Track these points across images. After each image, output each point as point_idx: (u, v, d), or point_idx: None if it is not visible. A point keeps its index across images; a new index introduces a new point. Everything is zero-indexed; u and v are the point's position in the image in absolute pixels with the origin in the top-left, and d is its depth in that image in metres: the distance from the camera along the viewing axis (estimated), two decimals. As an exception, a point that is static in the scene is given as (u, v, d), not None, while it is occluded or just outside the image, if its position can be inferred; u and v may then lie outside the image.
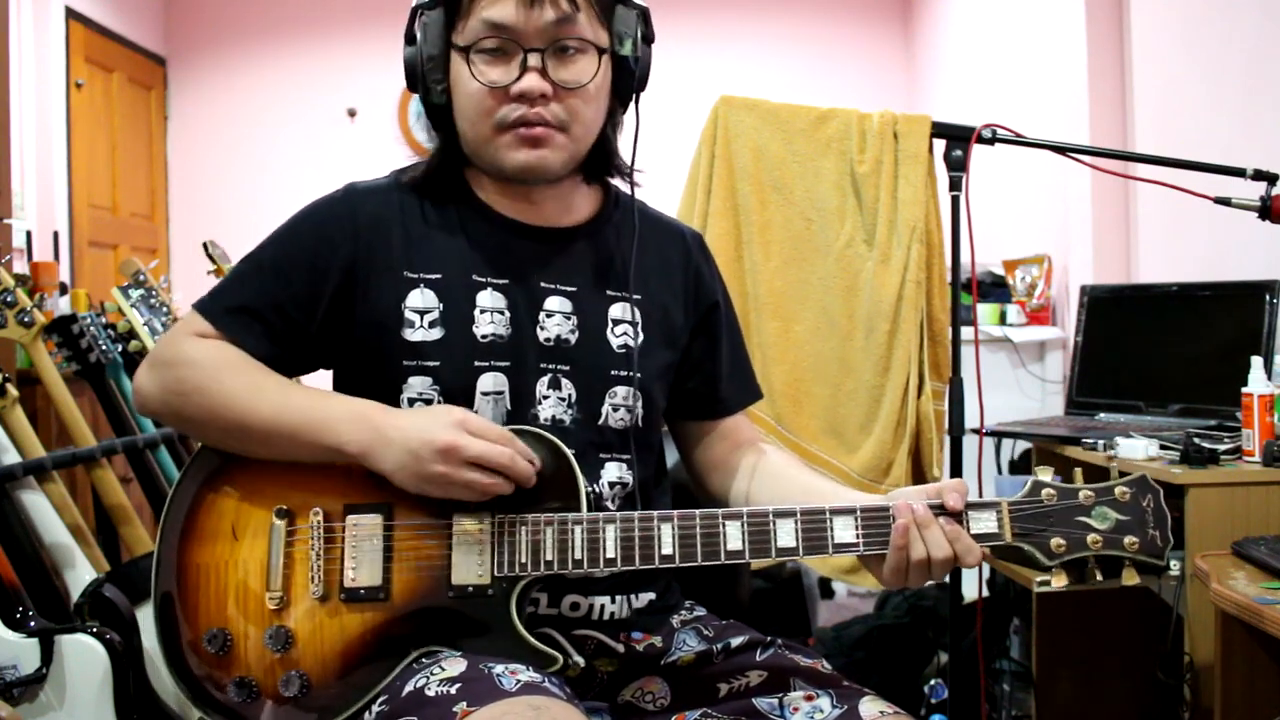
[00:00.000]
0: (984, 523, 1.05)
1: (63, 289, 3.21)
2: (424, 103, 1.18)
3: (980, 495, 1.08)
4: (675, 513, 1.07)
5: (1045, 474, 1.06)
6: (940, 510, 1.05)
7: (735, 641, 1.19)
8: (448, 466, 1.04)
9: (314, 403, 1.10)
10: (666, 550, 1.06)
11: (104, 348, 2.31)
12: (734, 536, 1.06)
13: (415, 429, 1.05)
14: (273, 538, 1.10)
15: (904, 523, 1.03)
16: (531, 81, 1.10)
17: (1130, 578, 1.05)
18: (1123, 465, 1.86)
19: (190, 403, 1.14)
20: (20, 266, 3.28)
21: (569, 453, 1.10)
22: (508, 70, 1.11)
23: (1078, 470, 1.08)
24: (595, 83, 1.14)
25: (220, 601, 1.11)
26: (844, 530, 1.05)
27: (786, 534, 1.06)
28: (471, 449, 1.03)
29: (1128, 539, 1.04)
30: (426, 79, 1.15)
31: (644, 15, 1.17)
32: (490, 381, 1.16)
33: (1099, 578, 1.05)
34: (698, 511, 1.07)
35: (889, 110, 2.31)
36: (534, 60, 1.10)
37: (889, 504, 1.05)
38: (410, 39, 1.16)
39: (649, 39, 1.18)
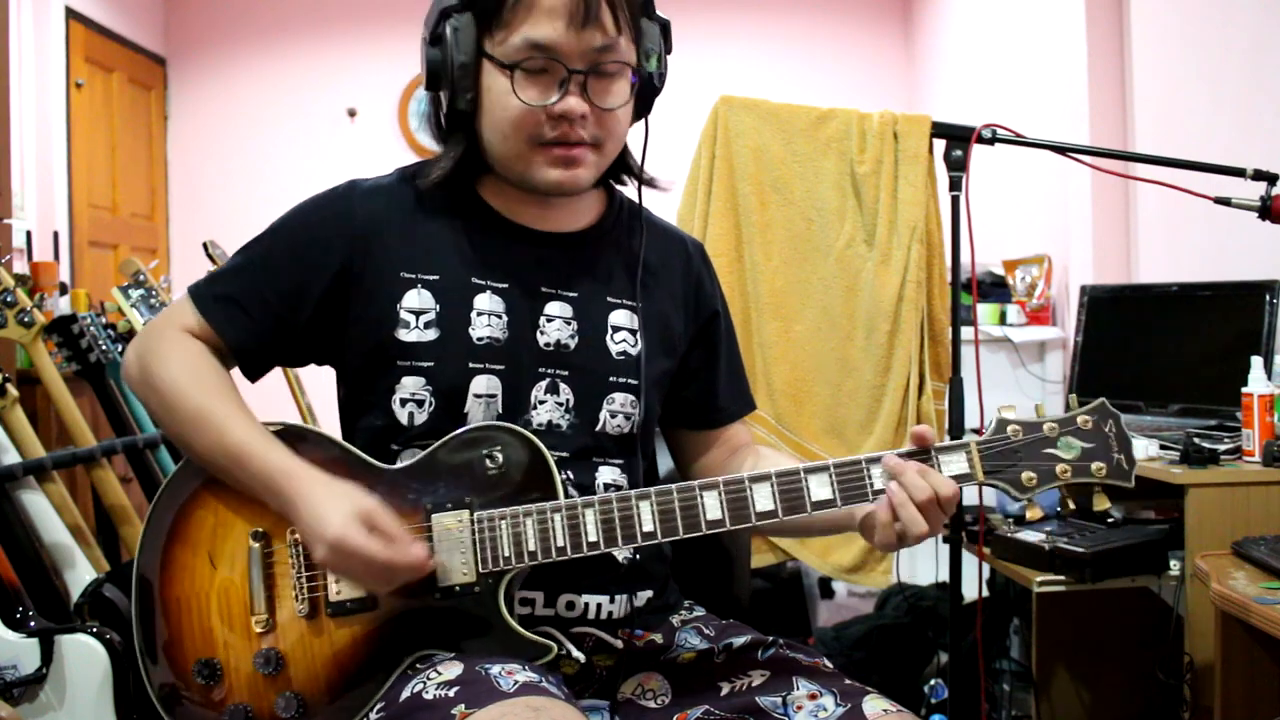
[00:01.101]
0: (955, 465, 1.07)
1: (63, 289, 3.21)
2: (448, 106, 1.16)
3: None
4: (653, 489, 1.07)
5: (1010, 413, 1.08)
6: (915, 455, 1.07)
7: (737, 641, 1.19)
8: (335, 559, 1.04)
9: (243, 451, 1.09)
10: (648, 527, 1.07)
11: (104, 348, 2.31)
12: (712, 506, 1.06)
13: (312, 511, 1.05)
14: (251, 561, 1.10)
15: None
16: (573, 104, 1.10)
17: (1101, 503, 1.07)
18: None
19: (153, 397, 1.16)
20: (20, 266, 3.28)
21: (540, 445, 1.10)
22: (547, 89, 1.10)
23: (1039, 405, 1.10)
24: (628, 104, 1.15)
25: (205, 631, 1.10)
26: (820, 488, 1.06)
27: (763, 497, 1.06)
28: (350, 544, 1.03)
29: (1095, 465, 1.06)
30: (455, 86, 1.12)
31: (665, 29, 1.18)
32: (484, 384, 1.16)
33: (1071, 506, 1.08)
34: (674, 486, 1.07)
35: (889, 110, 2.31)
36: (575, 81, 1.10)
37: (860, 457, 1.07)
38: (436, 40, 1.13)
39: (668, 50, 1.19)
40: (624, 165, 1.25)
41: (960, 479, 1.06)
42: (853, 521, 1.13)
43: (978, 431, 2.24)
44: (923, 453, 1.07)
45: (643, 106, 1.20)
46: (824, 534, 1.41)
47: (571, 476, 1.17)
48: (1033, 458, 1.06)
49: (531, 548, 1.07)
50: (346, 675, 1.07)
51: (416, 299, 1.16)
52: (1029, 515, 1.10)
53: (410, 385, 1.15)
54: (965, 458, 1.06)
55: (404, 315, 1.15)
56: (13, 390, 2.02)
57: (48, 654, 1.76)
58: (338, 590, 1.08)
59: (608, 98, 1.13)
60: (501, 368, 1.17)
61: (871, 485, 1.06)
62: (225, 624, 1.10)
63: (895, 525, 1.05)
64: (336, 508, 1.04)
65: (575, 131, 1.11)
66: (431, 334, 1.16)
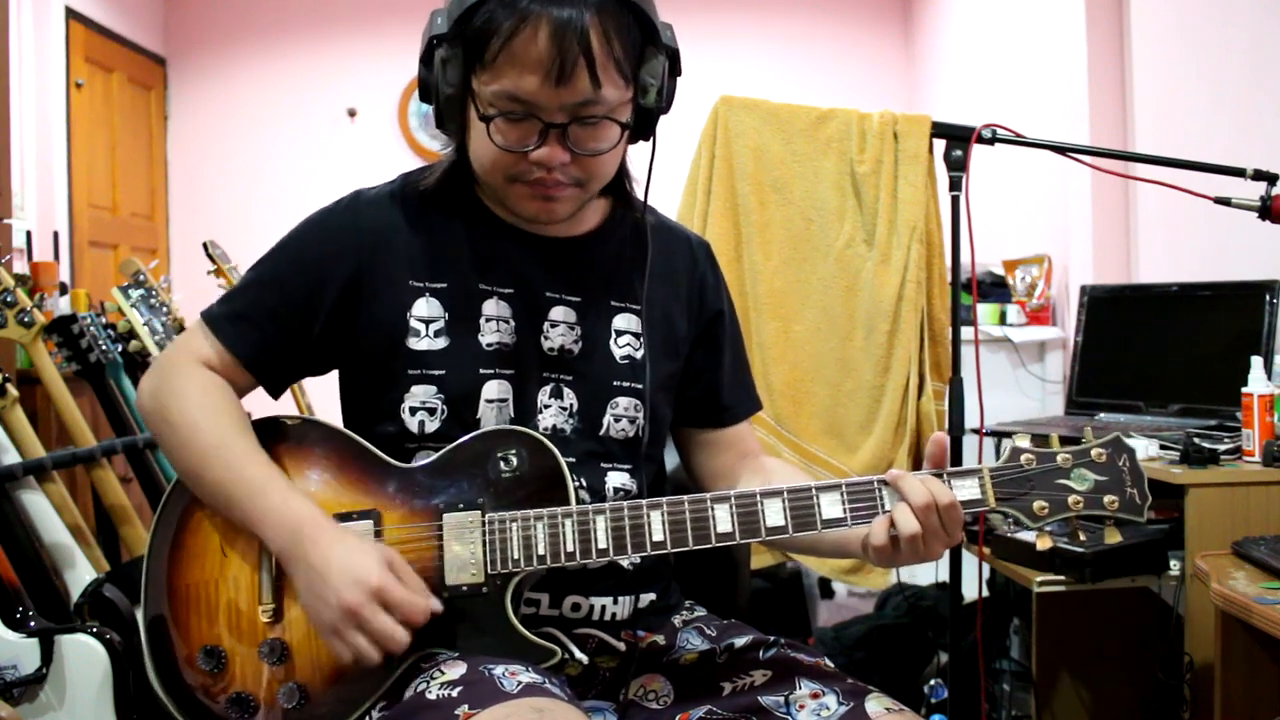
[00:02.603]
0: (967, 490, 1.06)
1: (63, 289, 3.20)
2: (437, 123, 1.15)
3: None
4: (664, 499, 1.07)
5: (1023, 440, 1.08)
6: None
7: (739, 641, 1.19)
8: (363, 603, 1.00)
9: (259, 488, 1.08)
10: (658, 537, 1.06)
11: (104, 348, 2.31)
12: (723, 519, 1.06)
13: (341, 558, 1.02)
14: (263, 551, 1.10)
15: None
16: (550, 154, 1.08)
17: (1112, 536, 1.07)
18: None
19: (166, 431, 1.14)
20: (20, 266, 3.28)
21: (555, 450, 1.10)
22: (527, 134, 1.08)
23: (1054, 435, 1.09)
24: (615, 147, 1.13)
25: (212, 618, 1.10)
26: (831, 506, 1.06)
27: (774, 513, 1.06)
28: (394, 594, 1.01)
29: (1107, 498, 1.06)
30: (443, 112, 1.12)
31: (674, 57, 1.13)
32: (495, 389, 1.16)
33: (1081, 538, 1.08)
34: (686, 497, 1.07)
35: (889, 110, 2.31)
36: (554, 133, 1.08)
37: (873, 478, 1.06)
38: (427, 62, 1.11)
39: (677, 74, 1.15)
40: (621, 182, 1.24)
41: (971, 504, 1.06)
42: (858, 547, 1.11)
43: (977, 432, 2.25)
44: (935, 475, 1.06)
45: (643, 131, 1.17)
46: (830, 556, 1.40)
47: (584, 483, 1.17)
48: (1045, 487, 1.06)
49: (541, 552, 1.07)
50: (349, 669, 1.07)
51: (426, 307, 1.16)
52: (1039, 545, 1.09)
53: (421, 394, 1.15)
54: (977, 483, 1.06)
55: (414, 324, 1.15)
56: (13, 390, 2.02)
57: (48, 654, 1.76)
58: None
59: (590, 144, 1.10)
60: (511, 372, 1.17)
61: (882, 505, 1.06)
62: (232, 612, 1.10)
63: (889, 531, 1.04)
64: (369, 555, 1.02)
65: (553, 176, 1.10)
66: (442, 342, 1.16)
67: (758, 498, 1.06)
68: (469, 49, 1.07)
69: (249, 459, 1.10)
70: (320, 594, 1.02)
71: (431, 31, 1.09)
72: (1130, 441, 1.96)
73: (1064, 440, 1.08)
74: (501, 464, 1.10)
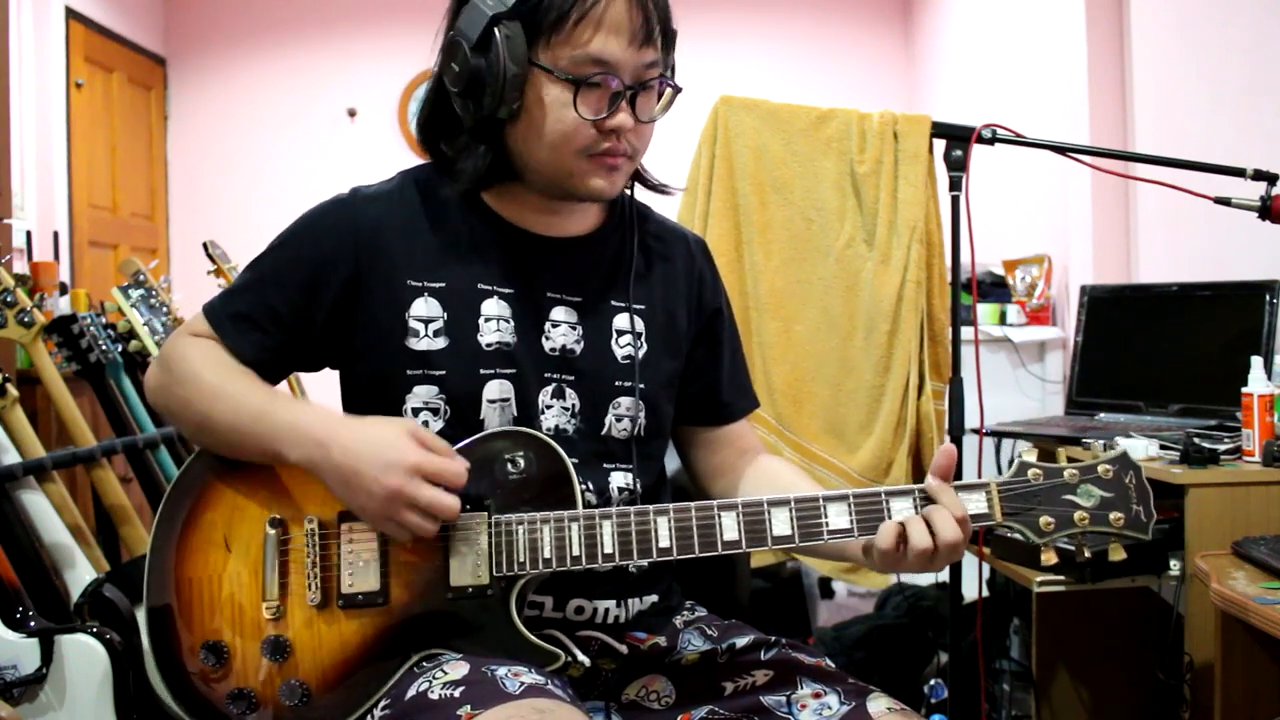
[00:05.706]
0: (974, 504, 1.06)
1: (63, 289, 3.21)
2: (482, 114, 1.12)
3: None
4: (671, 506, 1.08)
5: (1031, 455, 1.08)
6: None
7: (740, 641, 1.19)
8: (404, 481, 1.03)
9: (267, 408, 1.10)
10: (664, 543, 1.07)
11: (104, 348, 2.31)
12: (730, 527, 1.06)
13: (368, 446, 1.04)
14: (267, 547, 1.10)
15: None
16: (624, 119, 1.11)
17: (1117, 553, 1.07)
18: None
19: (173, 393, 1.16)
20: (20, 266, 3.28)
21: (562, 452, 1.10)
22: (599, 103, 1.10)
23: (1061, 450, 1.09)
24: (664, 113, 1.17)
25: (215, 614, 1.11)
26: (838, 517, 1.06)
27: (781, 522, 1.06)
28: (431, 464, 1.04)
29: (1113, 515, 1.05)
30: (502, 95, 1.09)
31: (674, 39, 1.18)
32: (497, 389, 1.16)
33: (1087, 554, 1.08)
34: (693, 504, 1.08)
35: (889, 110, 2.31)
36: (626, 96, 1.11)
37: (880, 489, 1.06)
38: (482, 46, 1.08)
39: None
40: (637, 171, 1.25)
41: (978, 519, 1.06)
42: (858, 552, 1.11)
43: (977, 432, 2.25)
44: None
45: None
46: (830, 559, 1.41)
47: (589, 485, 1.17)
48: (1052, 503, 1.06)
49: (547, 555, 1.07)
50: (352, 667, 1.08)
51: (424, 307, 1.16)
52: (1044, 560, 1.09)
53: (423, 394, 1.15)
54: (985, 497, 1.06)
55: (413, 324, 1.15)
56: (13, 390, 2.02)
57: (48, 654, 1.76)
58: (350, 582, 1.08)
59: (648, 111, 1.14)
60: (512, 372, 1.17)
61: (889, 518, 1.06)
62: (235, 608, 1.10)
63: (898, 537, 1.03)
64: (394, 435, 1.05)
65: (621, 145, 1.12)
66: (441, 342, 1.15)
67: (765, 507, 1.07)
68: (532, 22, 1.08)
69: (251, 390, 1.12)
70: (358, 487, 1.04)
71: (489, 10, 1.08)
72: (1130, 441, 1.96)
73: (1064, 441, 1.08)
74: (509, 465, 1.10)
